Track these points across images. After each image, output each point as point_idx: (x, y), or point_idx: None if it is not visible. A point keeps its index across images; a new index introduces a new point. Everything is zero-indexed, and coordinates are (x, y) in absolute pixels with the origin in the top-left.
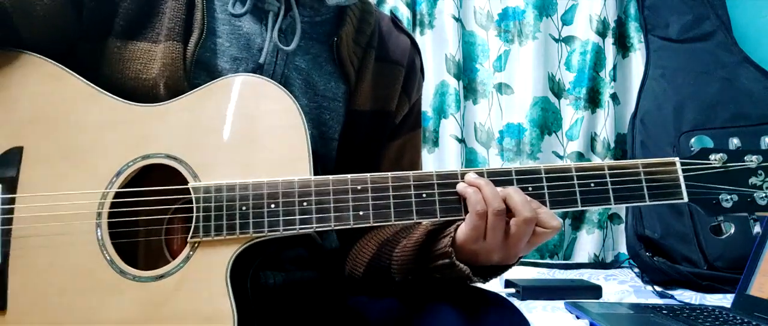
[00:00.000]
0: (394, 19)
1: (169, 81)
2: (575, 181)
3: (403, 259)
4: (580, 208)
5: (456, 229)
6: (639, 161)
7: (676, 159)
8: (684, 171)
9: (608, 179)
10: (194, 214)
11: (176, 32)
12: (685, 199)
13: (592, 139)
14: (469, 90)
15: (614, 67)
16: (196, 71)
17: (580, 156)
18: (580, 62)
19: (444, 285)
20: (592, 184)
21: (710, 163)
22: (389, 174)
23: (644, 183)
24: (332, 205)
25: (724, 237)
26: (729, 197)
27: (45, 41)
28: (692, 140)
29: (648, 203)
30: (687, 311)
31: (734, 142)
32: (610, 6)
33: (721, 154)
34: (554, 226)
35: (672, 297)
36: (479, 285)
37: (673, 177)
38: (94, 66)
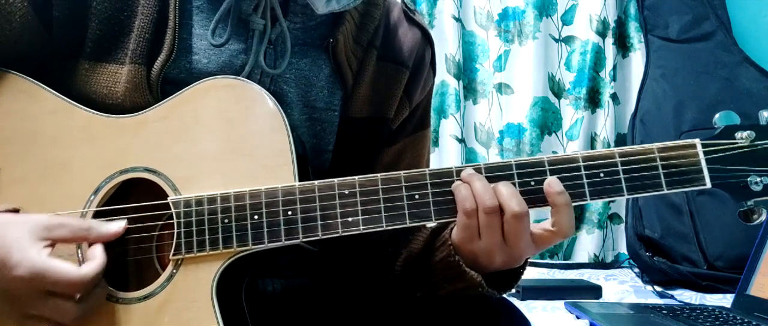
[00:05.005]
0: (406, 9)
1: (136, 103)
2: (582, 172)
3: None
4: (588, 202)
5: (451, 232)
6: (654, 145)
7: (697, 140)
8: (706, 153)
9: (620, 168)
10: (175, 230)
11: (139, 54)
12: (708, 185)
13: (592, 139)
14: (469, 90)
15: (614, 67)
16: (170, 90)
17: None
18: (580, 62)
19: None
20: (602, 174)
21: (736, 143)
22: (378, 175)
23: (661, 170)
24: (319, 213)
25: (755, 223)
26: (759, 179)
27: (14, 59)
28: (716, 116)
29: (665, 191)
30: (687, 311)
31: (765, 116)
32: (610, 6)
33: (749, 132)
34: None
35: (672, 297)
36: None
37: (694, 161)
38: (64, 84)
